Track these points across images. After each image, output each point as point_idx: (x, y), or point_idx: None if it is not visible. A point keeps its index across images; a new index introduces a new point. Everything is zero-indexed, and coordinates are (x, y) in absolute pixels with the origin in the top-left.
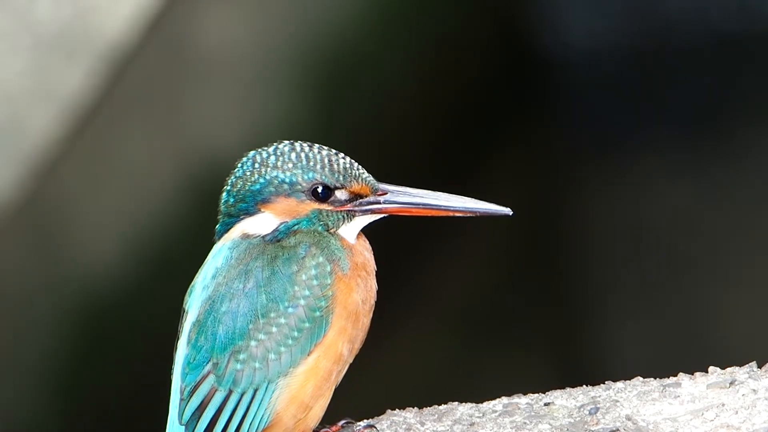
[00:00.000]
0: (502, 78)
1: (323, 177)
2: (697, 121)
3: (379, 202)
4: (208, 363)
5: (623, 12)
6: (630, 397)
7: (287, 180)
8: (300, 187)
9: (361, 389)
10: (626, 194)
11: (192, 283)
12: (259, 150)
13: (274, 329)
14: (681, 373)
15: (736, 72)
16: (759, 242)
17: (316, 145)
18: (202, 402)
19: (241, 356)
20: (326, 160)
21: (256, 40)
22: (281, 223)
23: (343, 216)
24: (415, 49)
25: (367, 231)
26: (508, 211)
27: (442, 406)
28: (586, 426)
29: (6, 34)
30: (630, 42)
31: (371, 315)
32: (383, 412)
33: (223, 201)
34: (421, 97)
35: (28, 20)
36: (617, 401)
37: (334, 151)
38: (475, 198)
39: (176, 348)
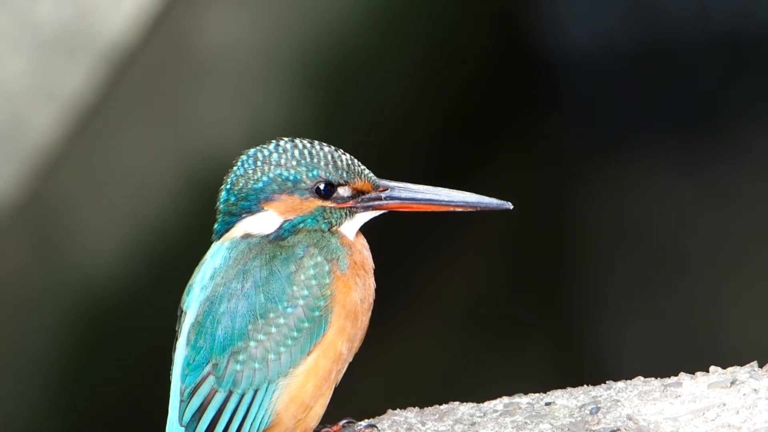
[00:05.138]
0: (503, 77)
1: (327, 174)
2: (697, 121)
3: (380, 198)
4: (207, 364)
5: (624, 12)
6: (631, 397)
7: (291, 177)
8: (304, 184)
9: (362, 389)
10: (627, 193)
11: (189, 282)
12: (260, 147)
13: (273, 330)
14: (682, 373)
15: (736, 72)
16: (759, 242)
17: (317, 142)
18: (202, 403)
19: (241, 357)
20: (329, 157)
21: (257, 40)
22: (285, 221)
23: (346, 213)
24: (416, 48)
25: (368, 228)
26: (508, 205)
27: (443, 406)
28: (587, 426)
29: (7, 34)
30: (630, 41)
31: (370, 313)
32: (384, 412)
33: (222, 200)
34: (422, 96)
35: (29, 20)
36: (618, 401)
37: (334, 147)
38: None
39: (175, 349)
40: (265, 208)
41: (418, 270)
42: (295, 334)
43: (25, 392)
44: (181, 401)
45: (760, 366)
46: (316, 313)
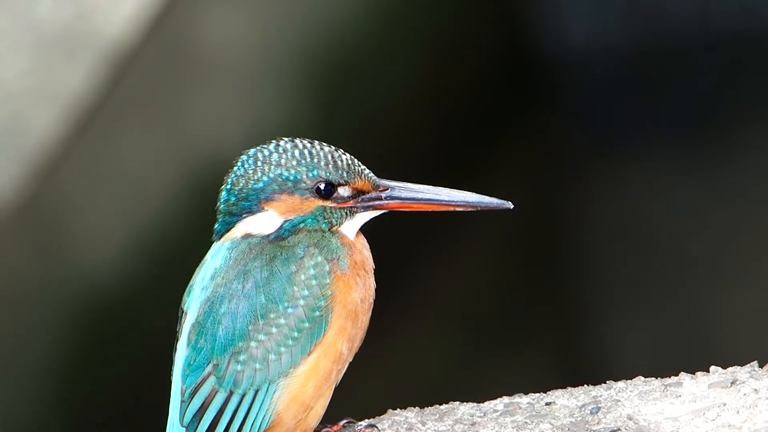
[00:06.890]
0: (503, 77)
1: (327, 174)
2: (697, 121)
3: (380, 198)
4: (208, 364)
5: (624, 12)
6: (631, 397)
7: (291, 177)
8: (304, 184)
9: (363, 389)
10: (627, 194)
11: (190, 283)
12: (261, 147)
13: (273, 330)
14: (682, 373)
15: (736, 72)
16: (759, 242)
17: (317, 142)
18: (203, 404)
19: (242, 357)
20: (329, 157)
21: (257, 40)
22: (285, 221)
23: (346, 213)
24: (415, 48)
25: (368, 229)
26: (509, 204)
27: (444, 406)
28: (587, 425)
29: (7, 34)
30: (630, 42)
31: (370, 313)
32: (384, 412)
33: (223, 200)
34: (421, 96)
35: (30, 20)
36: (618, 401)
37: (334, 147)
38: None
39: (175, 349)
40: (266, 208)
41: (418, 270)
42: (296, 334)
43: (25, 392)
44: (182, 402)
45: (760, 366)
46: (317, 313)
